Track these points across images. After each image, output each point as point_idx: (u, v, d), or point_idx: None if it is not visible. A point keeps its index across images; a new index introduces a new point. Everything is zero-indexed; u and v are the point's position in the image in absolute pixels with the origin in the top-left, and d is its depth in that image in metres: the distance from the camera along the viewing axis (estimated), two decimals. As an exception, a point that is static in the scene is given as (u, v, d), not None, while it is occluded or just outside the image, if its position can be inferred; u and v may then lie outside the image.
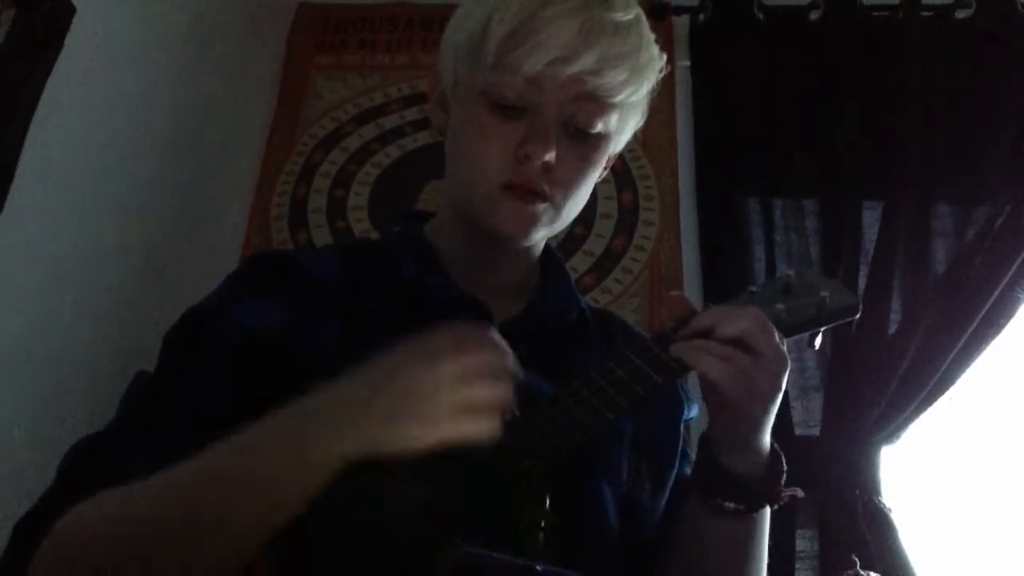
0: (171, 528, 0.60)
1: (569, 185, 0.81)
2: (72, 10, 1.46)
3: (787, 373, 0.72)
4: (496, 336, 0.64)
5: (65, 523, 0.62)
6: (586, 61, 0.76)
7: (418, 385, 0.60)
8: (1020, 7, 2.06)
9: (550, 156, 0.77)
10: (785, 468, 0.76)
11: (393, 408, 0.60)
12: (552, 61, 0.75)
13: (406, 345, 0.62)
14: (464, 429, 0.60)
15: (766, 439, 0.74)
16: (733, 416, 0.72)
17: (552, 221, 0.83)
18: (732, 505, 0.74)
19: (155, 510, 0.61)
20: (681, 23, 2.16)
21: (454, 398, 0.60)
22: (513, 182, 0.78)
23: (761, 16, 2.12)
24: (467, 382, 0.60)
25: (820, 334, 0.79)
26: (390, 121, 2.17)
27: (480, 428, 0.61)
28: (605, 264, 1.96)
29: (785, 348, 0.73)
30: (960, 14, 2.08)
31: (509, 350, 0.64)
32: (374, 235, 2.00)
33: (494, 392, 0.62)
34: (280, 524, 0.58)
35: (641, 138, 2.12)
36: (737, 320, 0.71)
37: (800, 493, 0.76)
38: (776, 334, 0.72)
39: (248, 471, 0.60)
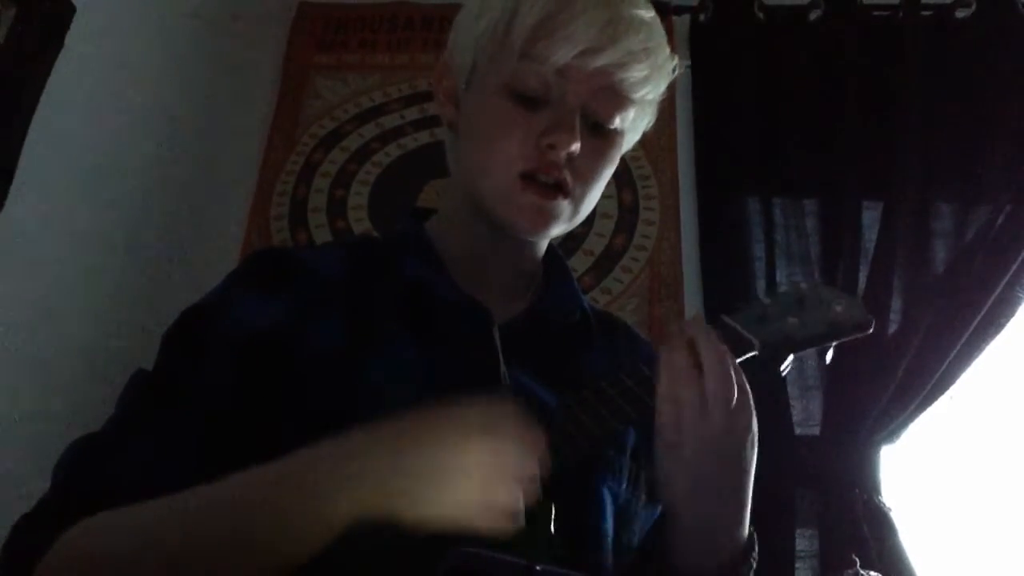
0: (175, 567, 0.59)
1: (588, 179, 0.81)
2: (72, 10, 1.46)
3: (741, 426, 0.68)
4: (526, 427, 0.61)
5: (69, 543, 0.61)
6: (613, 55, 0.77)
7: (450, 471, 0.57)
8: (1020, 7, 2.06)
9: (575, 146, 0.77)
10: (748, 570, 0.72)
11: (430, 487, 0.57)
12: (580, 53, 0.76)
13: (450, 416, 0.60)
14: (487, 521, 0.57)
15: (725, 531, 0.71)
16: (668, 485, 0.70)
17: (569, 218, 0.83)
18: None
19: (162, 545, 0.60)
20: (681, 23, 2.16)
21: (485, 493, 0.57)
22: (535, 171, 0.78)
23: (761, 16, 2.13)
24: (504, 484, 0.58)
25: (831, 348, 0.79)
26: (390, 121, 2.17)
27: (503, 524, 0.57)
28: (605, 264, 1.96)
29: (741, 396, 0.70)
30: (960, 14, 2.08)
31: (539, 438, 0.61)
32: (375, 234, 2.00)
33: (520, 493, 0.58)
34: (288, 567, 0.57)
35: (641, 138, 2.12)
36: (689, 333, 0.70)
37: None
38: (728, 372, 0.68)
39: (259, 521, 0.58)
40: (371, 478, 0.57)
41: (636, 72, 0.78)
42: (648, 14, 0.80)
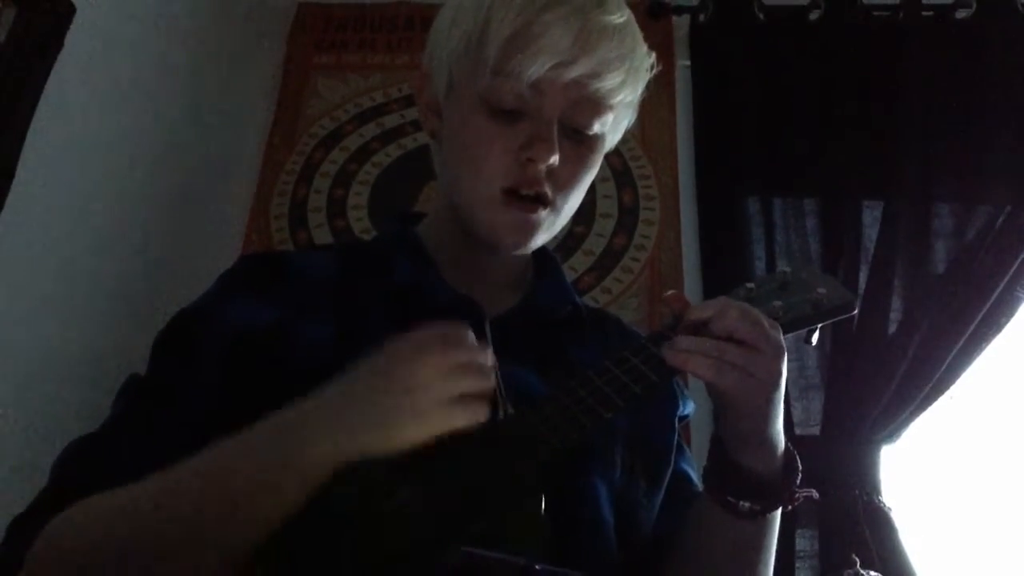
0: (161, 534, 0.60)
1: (569, 187, 0.81)
2: (72, 10, 1.46)
3: (784, 360, 0.71)
4: (470, 333, 0.66)
5: (53, 528, 0.63)
6: (586, 65, 0.76)
7: (407, 382, 0.61)
8: (1020, 7, 2.06)
9: (554, 159, 0.77)
10: (800, 468, 0.75)
11: (384, 406, 0.60)
12: (554, 66, 0.76)
13: (390, 344, 0.63)
14: (454, 421, 0.61)
15: (777, 435, 0.74)
16: (736, 411, 0.71)
17: (552, 225, 0.83)
18: (747, 504, 0.74)
19: (144, 516, 0.61)
20: (681, 23, 2.17)
21: (443, 392, 0.61)
22: (516, 186, 0.78)
23: (761, 16, 2.12)
24: (454, 375, 0.62)
25: (817, 331, 0.79)
26: (390, 120, 2.17)
27: (469, 418, 0.62)
28: (605, 263, 1.96)
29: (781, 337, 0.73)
30: (960, 14, 2.08)
31: (484, 346, 0.66)
32: (373, 235, 2.00)
33: (480, 382, 0.63)
34: (271, 530, 0.58)
35: (641, 138, 2.13)
36: (723, 317, 0.71)
37: (815, 494, 0.76)
38: (767, 322, 0.71)
39: (238, 478, 0.60)
40: (340, 422, 0.60)
41: (612, 80, 0.78)
42: (620, 18, 0.80)
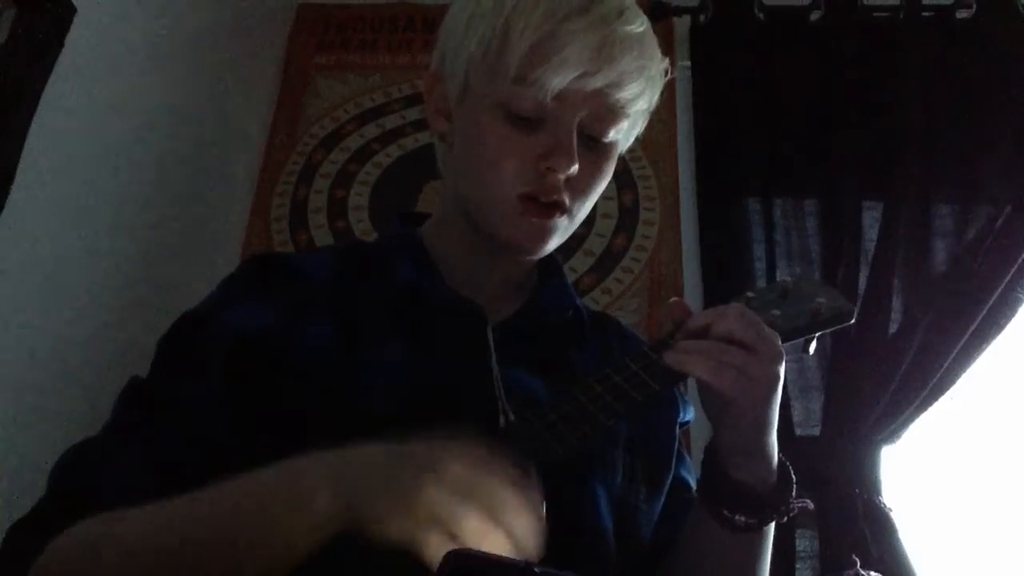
0: (166, 568, 0.58)
1: (585, 194, 0.82)
2: (72, 10, 1.46)
3: (782, 366, 0.71)
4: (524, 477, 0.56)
5: (55, 552, 0.62)
6: (608, 76, 0.76)
7: (431, 510, 0.52)
8: (1020, 7, 2.06)
9: (574, 169, 0.77)
10: (795, 480, 0.75)
11: (412, 513, 0.52)
12: (577, 77, 0.76)
13: (449, 450, 0.55)
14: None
15: (771, 447, 0.73)
16: (733, 415, 0.71)
17: (566, 231, 0.84)
18: (743, 519, 0.73)
19: (150, 547, 0.59)
20: (681, 23, 2.17)
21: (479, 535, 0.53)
22: (535, 193, 0.78)
23: (762, 16, 2.13)
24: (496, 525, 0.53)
25: (815, 340, 0.80)
26: (391, 121, 2.17)
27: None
28: (605, 264, 1.96)
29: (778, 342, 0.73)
30: (960, 14, 2.08)
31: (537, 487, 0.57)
32: (374, 235, 2.00)
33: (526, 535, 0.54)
34: (275, 569, 0.55)
35: (641, 138, 2.12)
36: (722, 319, 0.71)
37: (810, 505, 0.76)
38: (764, 326, 0.71)
39: (244, 519, 0.57)
40: (361, 488, 0.54)
41: (631, 90, 0.78)
42: (640, 28, 0.80)
